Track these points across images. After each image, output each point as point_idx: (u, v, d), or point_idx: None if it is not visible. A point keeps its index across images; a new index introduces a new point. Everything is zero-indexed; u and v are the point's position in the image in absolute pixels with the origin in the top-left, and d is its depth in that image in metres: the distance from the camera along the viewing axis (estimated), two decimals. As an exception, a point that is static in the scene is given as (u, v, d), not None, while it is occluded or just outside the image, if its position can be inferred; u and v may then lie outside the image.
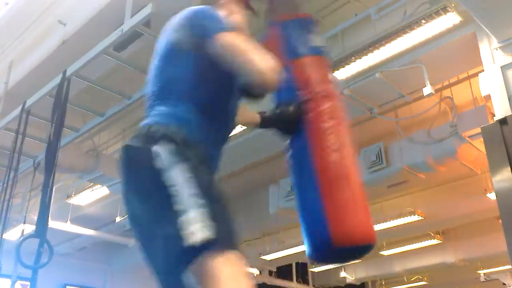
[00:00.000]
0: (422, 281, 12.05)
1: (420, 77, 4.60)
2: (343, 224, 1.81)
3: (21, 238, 3.48)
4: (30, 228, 7.24)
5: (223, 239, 1.32)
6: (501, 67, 3.78)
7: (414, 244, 9.72)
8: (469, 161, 5.82)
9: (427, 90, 4.57)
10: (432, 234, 9.40)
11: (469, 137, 5.38)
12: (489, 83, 3.87)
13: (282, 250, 9.36)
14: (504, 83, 3.71)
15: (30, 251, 3.52)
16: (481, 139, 4.29)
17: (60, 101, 4.05)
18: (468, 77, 5.36)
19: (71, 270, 9.95)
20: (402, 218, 7.79)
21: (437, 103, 5.48)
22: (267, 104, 2.00)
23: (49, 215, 7.06)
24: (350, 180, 1.89)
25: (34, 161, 5.36)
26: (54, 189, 6.86)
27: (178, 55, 1.57)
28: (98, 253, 10.51)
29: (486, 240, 9.21)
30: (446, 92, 5.53)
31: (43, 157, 5.21)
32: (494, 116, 3.70)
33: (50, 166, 3.82)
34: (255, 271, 10.35)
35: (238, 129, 5.38)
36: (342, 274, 11.81)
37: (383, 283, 12.91)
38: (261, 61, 1.44)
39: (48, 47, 4.66)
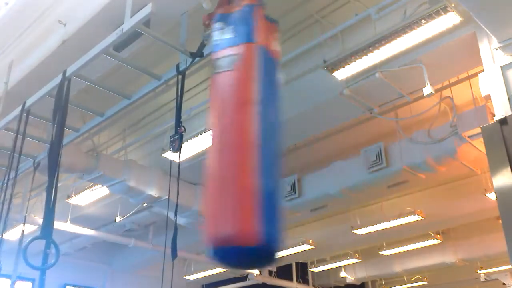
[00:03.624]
0: (422, 281, 12.06)
1: (420, 77, 4.60)
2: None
3: (27, 240, 3.44)
4: (30, 228, 7.29)
5: None
6: (501, 67, 3.78)
7: (414, 244, 9.72)
8: (469, 161, 5.82)
9: (427, 90, 4.57)
10: (432, 234, 9.40)
11: (469, 137, 5.38)
12: (489, 83, 3.86)
13: (282, 250, 9.33)
14: (504, 83, 3.71)
15: (30, 252, 3.51)
16: (481, 139, 4.29)
17: (61, 101, 4.04)
18: (468, 77, 5.36)
19: (71, 270, 9.96)
20: (402, 218, 7.79)
21: (437, 103, 5.48)
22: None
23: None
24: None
25: (34, 161, 5.35)
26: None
27: None
28: (98, 253, 10.52)
29: (486, 240, 9.21)
30: (446, 92, 5.52)
31: (43, 157, 5.21)
32: (494, 116, 3.70)
33: (53, 166, 3.77)
34: (255, 271, 10.35)
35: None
36: (342, 274, 11.81)
37: (383, 283, 12.91)
38: None
39: (48, 47, 4.65)
